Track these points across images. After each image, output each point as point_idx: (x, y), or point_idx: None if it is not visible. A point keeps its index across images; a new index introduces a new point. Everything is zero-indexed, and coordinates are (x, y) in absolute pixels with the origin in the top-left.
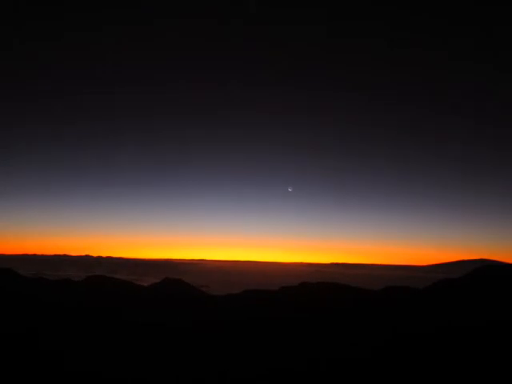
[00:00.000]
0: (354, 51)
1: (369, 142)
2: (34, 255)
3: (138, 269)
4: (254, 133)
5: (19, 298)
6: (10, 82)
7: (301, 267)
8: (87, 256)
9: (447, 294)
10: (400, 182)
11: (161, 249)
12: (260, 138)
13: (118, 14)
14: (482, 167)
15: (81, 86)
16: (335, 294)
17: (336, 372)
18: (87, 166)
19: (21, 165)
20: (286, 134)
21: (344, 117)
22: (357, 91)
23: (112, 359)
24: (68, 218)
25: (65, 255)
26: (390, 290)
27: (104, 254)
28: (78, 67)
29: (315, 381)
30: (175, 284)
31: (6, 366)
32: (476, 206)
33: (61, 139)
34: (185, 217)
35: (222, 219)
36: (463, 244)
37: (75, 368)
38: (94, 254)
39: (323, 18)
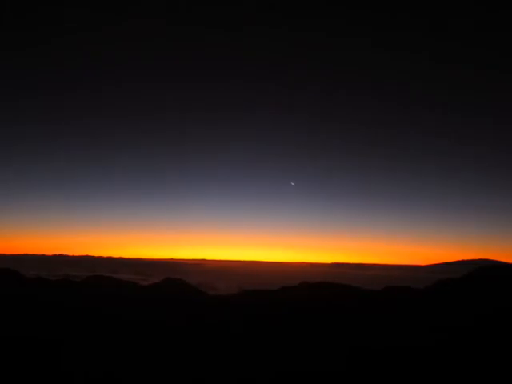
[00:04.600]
0: (355, 50)
1: (369, 142)
2: (34, 255)
3: (138, 269)
4: (254, 131)
5: (19, 298)
6: (9, 81)
7: (301, 267)
8: (87, 256)
9: (448, 294)
10: (400, 181)
11: (162, 249)
12: (260, 136)
13: (118, 11)
14: (482, 167)
15: (80, 86)
16: (335, 293)
17: (336, 372)
18: (88, 166)
19: (21, 164)
20: (287, 133)
21: (345, 116)
22: (357, 91)
23: (112, 360)
24: (68, 218)
25: (65, 255)
26: (391, 289)
27: (104, 254)
28: (77, 66)
29: (316, 381)
30: (176, 284)
31: (6, 368)
32: (476, 206)
33: (60, 138)
34: (185, 216)
35: (223, 219)
36: (463, 244)
37: (74, 368)
38: (95, 253)
39: (323, 16)
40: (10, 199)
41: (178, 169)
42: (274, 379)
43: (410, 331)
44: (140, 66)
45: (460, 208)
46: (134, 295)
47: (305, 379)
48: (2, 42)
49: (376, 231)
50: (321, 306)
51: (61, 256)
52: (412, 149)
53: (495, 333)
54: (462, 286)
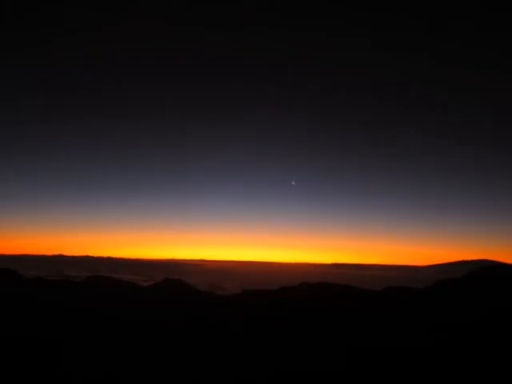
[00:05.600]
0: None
1: (369, 142)
2: (34, 255)
3: (138, 269)
4: (254, 131)
5: (18, 298)
6: (9, 81)
7: (301, 267)
8: (87, 256)
9: (448, 294)
10: (400, 181)
11: (162, 249)
12: (260, 136)
13: (118, 11)
14: (482, 167)
15: (80, 86)
16: (335, 294)
17: (336, 372)
18: (88, 166)
19: (21, 164)
20: (287, 133)
21: (345, 116)
22: (357, 91)
23: (111, 361)
24: (68, 218)
25: (64, 255)
26: (391, 290)
27: (104, 254)
28: (77, 66)
29: (316, 381)
30: (176, 284)
31: (5, 368)
32: (476, 206)
33: (60, 138)
34: (185, 216)
35: (223, 219)
36: (463, 244)
37: (74, 369)
38: (94, 254)
39: (323, 16)
40: (10, 199)
41: (178, 169)
42: (274, 379)
43: (410, 331)
44: (140, 66)
45: (460, 208)
46: (134, 296)
47: (305, 379)
48: (2, 42)
49: (376, 231)
50: (321, 306)
51: (60, 256)
52: (412, 149)
53: (495, 333)
54: (462, 286)
